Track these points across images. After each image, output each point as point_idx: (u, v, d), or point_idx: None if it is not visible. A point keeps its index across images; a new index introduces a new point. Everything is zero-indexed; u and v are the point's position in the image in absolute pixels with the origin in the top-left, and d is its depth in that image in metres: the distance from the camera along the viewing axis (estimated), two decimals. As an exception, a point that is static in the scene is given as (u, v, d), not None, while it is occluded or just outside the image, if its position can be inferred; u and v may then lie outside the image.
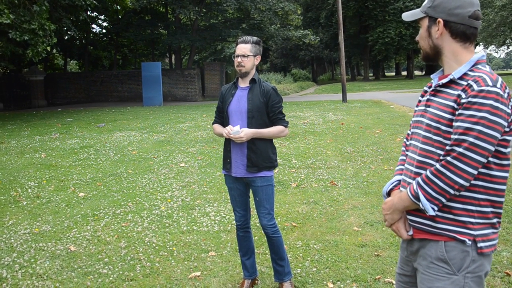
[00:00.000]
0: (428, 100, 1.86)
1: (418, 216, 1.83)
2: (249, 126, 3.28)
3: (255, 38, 3.36)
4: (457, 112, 1.70)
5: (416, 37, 1.96)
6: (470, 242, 1.73)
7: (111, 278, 3.76)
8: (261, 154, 3.32)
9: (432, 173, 1.70)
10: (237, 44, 3.36)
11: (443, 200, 1.71)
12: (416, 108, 1.98)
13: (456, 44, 1.81)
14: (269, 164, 3.35)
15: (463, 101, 1.69)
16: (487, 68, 1.76)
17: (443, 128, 1.74)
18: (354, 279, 3.60)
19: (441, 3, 1.80)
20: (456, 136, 1.67)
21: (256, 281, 3.61)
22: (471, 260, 1.74)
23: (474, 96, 1.66)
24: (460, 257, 1.74)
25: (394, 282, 3.39)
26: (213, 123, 3.57)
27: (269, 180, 3.36)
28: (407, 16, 1.94)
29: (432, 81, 1.95)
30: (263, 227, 3.41)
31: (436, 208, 1.73)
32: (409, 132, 2.04)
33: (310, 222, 4.93)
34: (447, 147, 1.70)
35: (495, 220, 1.77)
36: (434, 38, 1.84)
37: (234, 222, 4.99)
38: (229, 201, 5.75)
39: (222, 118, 3.48)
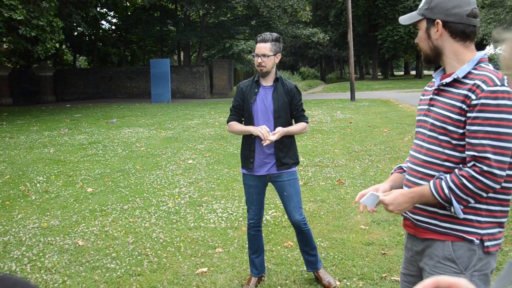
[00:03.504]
0: (431, 99, 1.85)
1: (424, 216, 1.83)
2: (275, 126, 3.29)
3: (274, 35, 3.31)
4: (469, 114, 1.69)
5: (415, 40, 1.94)
6: (478, 242, 1.73)
7: (118, 273, 3.78)
8: (287, 152, 3.36)
9: (466, 179, 1.68)
10: (256, 43, 3.32)
11: (473, 202, 1.71)
12: (418, 107, 1.98)
13: (457, 43, 1.80)
14: (295, 160, 3.42)
15: (474, 102, 1.67)
16: (490, 67, 1.76)
17: (450, 128, 1.74)
18: (360, 277, 3.60)
19: (438, 4, 1.79)
20: (477, 141, 1.66)
21: (263, 278, 3.62)
22: (478, 258, 1.74)
23: (487, 98, 1.65)
24: (467, 256, 1.74)
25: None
26: (228, 121, 3.50)
27: (294, 174, 3.42)
28: (404, 19, 1.91)
29: (433, 80, 1.95)
30: (296, 222, 3.40)
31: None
32: None
33: (317, 220, 4.93)
34: (471, 152, 1.68)
35: (502, 219, 1.77)
36: (433, 39, 1.83)
37: (241, 219, 5.01)
38: (237, 198, 5.77)
39: (240, 116, 3.44)
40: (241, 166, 3.50)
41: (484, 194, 1.69)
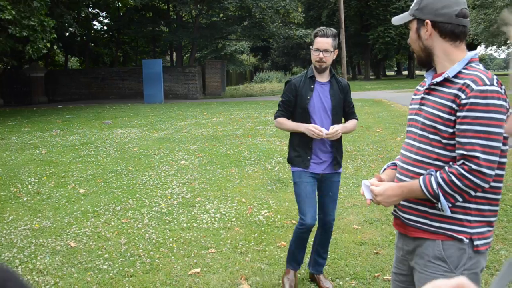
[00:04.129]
0: (422, 98, 1.86)
1: (414, 215, 1.84)
2: (332, 123, 3.23)
3: (333, 31, 3.24)
4: (459, 114, 1.70)
5: (408, 40, 1.95)
6: (467, 241, 1.74)
7: (111, 274, 3.77)
8: (340, 151, 3.35)
9: (455, 175, 1.69)
10: (315, 36, 3.22)
11: (460, 200, 1.72)
12: (410, 107, 1.98)
13: (447, 43, 1.82)
14: (341, 160, 3.38)
15: (463, 101, 1.69)
16: (481, 67, 1.77)
17: (440, 127, 1.75)
18: (353, 276, 3.61)
19: (428, 4, 1.80)
20: (466, 140, 1.68)
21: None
22: (468, 257, 1.75)
23: (476, 97, 1.66)
24: (457, 255, 1.76)
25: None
26: (276, 116, 3.38)
27: (340, 175, 3.41)
28: (396, 20, 1.93)
29: (425, 79, 1.97)
30: (328, 222, 3.39)
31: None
32: None
33: (310, 220, 4.94)
34: (460, 151, 1.70)
35: (492, 218, 1.79)
36: (423, 40, 1.84)
37: (234, 219, 5.01)
38: (229, 198, 5.77)
39: (289, 112, 3.33)
40: (292, 164, 3.37)
41: (472, 193, 1.70)
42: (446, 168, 1.73)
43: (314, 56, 3.20)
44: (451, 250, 1.76)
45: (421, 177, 1.76)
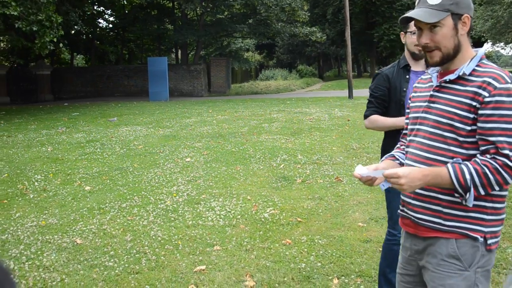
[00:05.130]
0: (431, 96, 1.83)
1: (427, 215, 1.80)
2: None
3: None
4: (482, 112, 1.68)
5: (423, 40, 1.79)
6: (481, 239, 1.73)
7: (117, 271, 3.78)
8: None
9: (488, 169, 1.65)
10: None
11: (482, 194, 1.69)
12: (412, 104, 1.94)
13: (467, 38, 1.80)
14: None
15: (487, 99, 1.66)
16: (492, 64, 1.76)
17: (457, 124, 1.72)
18: (358, 274, 3.60)
19: None
20: (494, 138, 1.66)
21: None
22: (481, 255, 1.74)
23: (501, 95, 1.65)
24: (470, 253, 1.74)
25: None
26: (368, 115, 3.02)
27: None
28: (425, 17, 1.75)
29: (423, 76, 1.94)
30: None
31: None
32: (405, 131, 2.03)
33: (315, 218, 4.94)
34: (486, 147, 1.68)
35: (503, 216, 1.78)
36: (459, 35, 1.77)
37: (239, 217, 5.01)
38: (234, 196, 5.77)
39: (383, 108, 2.97)
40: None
41: (497, 188, 1.67)
42: (478, 160, 1.68)
43: (410, 40, 2.84)
44: (465, 248, 1.74)
45: (450, 166, 1.70)
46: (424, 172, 1.70)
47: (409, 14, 1.80)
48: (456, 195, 1.72)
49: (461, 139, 1.73)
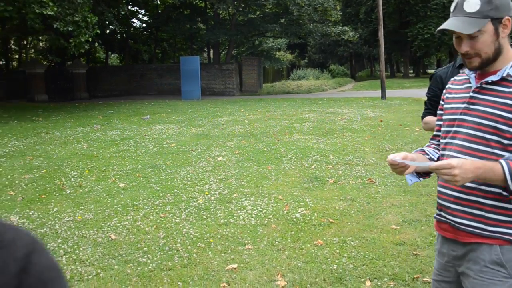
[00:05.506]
0: (471, 97, 1.78)
1: (469, 219, 1.75)
2: None
3: None
4: None
5: (463, 48, 1.74)
6: None
7: (150, 267, 3.85)
8: None
9: None
10: None
11: None
12: (447, 106, 1.89)
13: (508, 39, 1.75)
14: None
15: None
16: None
17: (502, 127, 1.67)
18: (392, 277, 3.56)
19: (501, 2, 1.69)
20: None
21: None
22: None
23: None
24: None
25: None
26: (423, 116, 3.04)
27: None
28: (464, 28, 1.68)
29: (457, 78, 1.90)
30: None
31: None
32: (437, 133, 1.99)
33: (347, 219, 4.90)
34: None
35: None
36: (500, 39, 1.71)
37: (270, 216, 5.02)
38: (266, 195, 5.78)
39: (437, 109, 2.98)
40: None
41: None
42: None
43: None
44: (510, 255, 1.69)
45: (503, 161, 1.63)
46: (477, 164, 1.62)
47: (446, 26, 1.72)
48: (504, 193, 1.67)
49: (505, 141, 1.68)
